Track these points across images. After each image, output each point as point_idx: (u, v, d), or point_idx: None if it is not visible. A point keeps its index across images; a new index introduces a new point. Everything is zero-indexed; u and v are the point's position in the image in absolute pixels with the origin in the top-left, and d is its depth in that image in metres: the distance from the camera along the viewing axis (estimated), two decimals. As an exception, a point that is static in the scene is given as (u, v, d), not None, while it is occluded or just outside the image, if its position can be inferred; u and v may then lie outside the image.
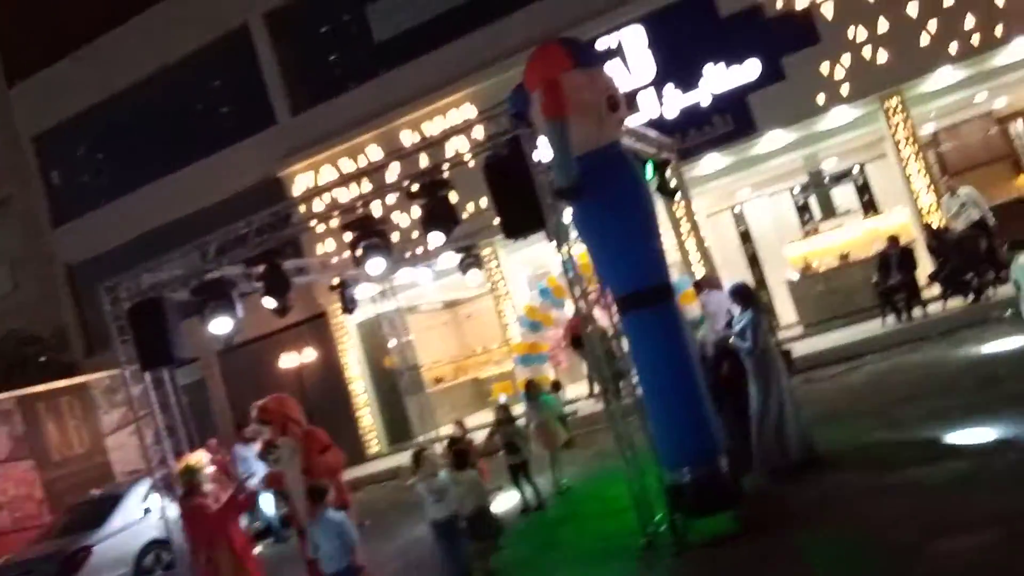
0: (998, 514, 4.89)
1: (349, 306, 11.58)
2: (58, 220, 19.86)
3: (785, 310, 15.60)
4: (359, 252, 7.75)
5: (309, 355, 15.78)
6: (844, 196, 16.51)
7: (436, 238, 7.53)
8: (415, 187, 7.26)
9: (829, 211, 16.12)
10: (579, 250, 7.01)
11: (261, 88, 17.60)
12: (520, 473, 8.48)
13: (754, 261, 16.90)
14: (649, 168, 9.39)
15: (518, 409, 9.46)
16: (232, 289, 7.86)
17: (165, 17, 18.29)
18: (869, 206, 16.27)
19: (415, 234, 14.81)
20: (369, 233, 7.68)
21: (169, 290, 8.38)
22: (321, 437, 7.45)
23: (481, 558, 6.74)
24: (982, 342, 9.86)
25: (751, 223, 16.96)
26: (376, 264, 7.89)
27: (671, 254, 12.80)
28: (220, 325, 8.15)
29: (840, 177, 16.61)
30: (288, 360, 15.52)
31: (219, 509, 7.02)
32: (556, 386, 12.21)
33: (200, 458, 9.01)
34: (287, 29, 17.56)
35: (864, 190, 16.42)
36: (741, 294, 7.55)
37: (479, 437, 9.20)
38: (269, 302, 7.89)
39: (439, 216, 7.25)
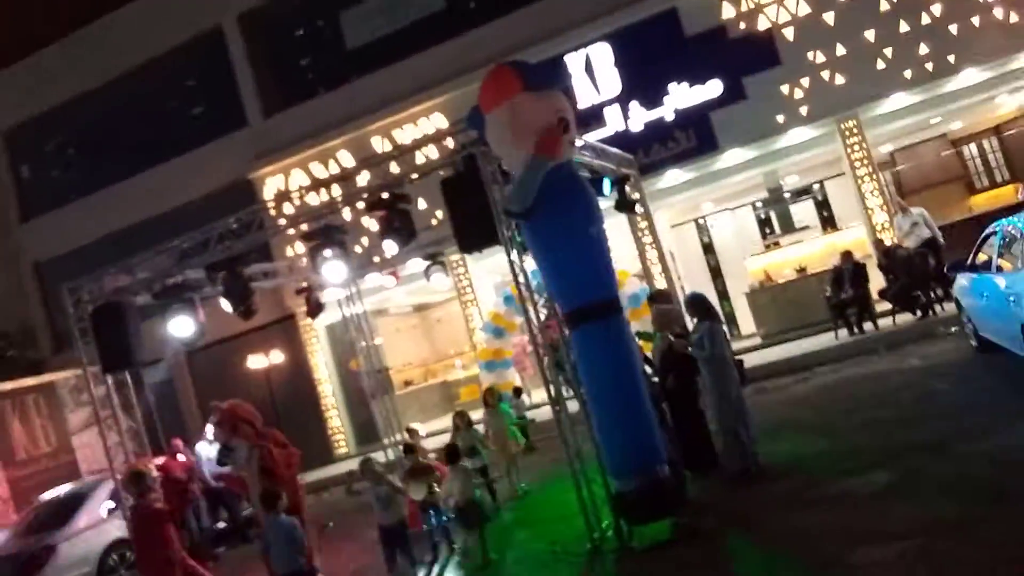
0: (918, 524, 5.23)
1: (314, 310, 11.74)
2: (26, 215, 19.80)
3: (745, 320, 16.06)
4: (318, 258, 7.96)
5: (277, 357, 15.91)
6: (804, 212, 17.02)
7: (391, 247, 7.77)
8: (378, 198, 7.48)
9: (789, 226, 16.65)
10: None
11: (233, 89, 17.70)
12: (483, 475, 8.75)
13: (716, 272, 17.31)
14: (607, 185, 9.71)
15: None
16: (194, 293, 8.05)
17: (140, 15, 18.34)
18: (828, 222, 16.76)
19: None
20: (330, 241, 7.90)
21: (132, 292, 8.55)
22: (276, 437, 7.62)
23: (474, 545, 7.03)
24: (926, 358, 10.32)
25: (714, 235, 17.37)
26: (334, 269, 8.12)
27: (633, 264, 13.26)
28: (181, 327, 8.34)
29: (801, 193, 17.12)
30: (256, 361, 15.64)
31: (154, 509, 7.28)
32: (518, 392, 12.53)
33: (148, 463, 9.09)
34: (260, 32, 17.68)
35: (824, 206, 16.91)
36: (696, 305, 7.88)
37: (442, 441, 9.44)
38: (228, 306, 8.07)
39: (397, 229, 7.50)
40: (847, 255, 13.04)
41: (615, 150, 11.56)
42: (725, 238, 17.35)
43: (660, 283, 12.77)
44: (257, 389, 16.12)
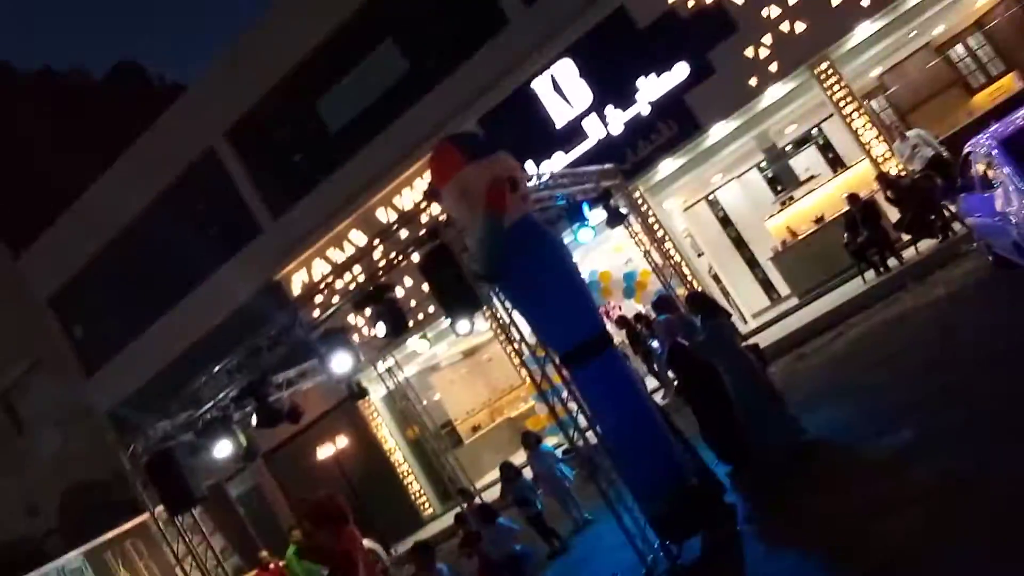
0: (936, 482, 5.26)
1: (356, 395, 12.18)
2: (90, 370, 20.91)
3: (781, 283, 15.95)
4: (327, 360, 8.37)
5: (343, 441, 16.42)
6: (810, 159, 16.86)
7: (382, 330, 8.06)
8: (364, 295, 7.84)
9: (799, 178, 16.48)
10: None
11: (240, 202, 18.46)
12: (538, 523, 8.98)
13: (740, 242, 17.24)
14: (585, 209, 9.92)
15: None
16: (229, 423, 8.53)
17: (138, 160, 19.29)
18: (836, 162, 16.55)
19: (412, 302, 15.57)
20: (336, 343, 8.29)
21: (177, 435, 9.10)
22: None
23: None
24: (949, 284, 10.18)
25: (728, 207, 17.31)
26: (341, 363, 8.53)
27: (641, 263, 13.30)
28: (223, 450, 8.86)
29: (801, 143, 16.96)
30: (324, 451, 16.18)
31: None
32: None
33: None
34: (249, 142, 18.41)
35: (827, 148, 16.72)
36: (697, 304, 8.01)
37: (494, 493, 9.73)
38: (263, 427, 8.53)
39: (387, 319, 7.84)
40: (853, 197, 12.90)
41: (592, 168, 11.81)
42: (739, 207, 17.27)
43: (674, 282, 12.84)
44: (332, 476, 16.70)
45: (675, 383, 7.99)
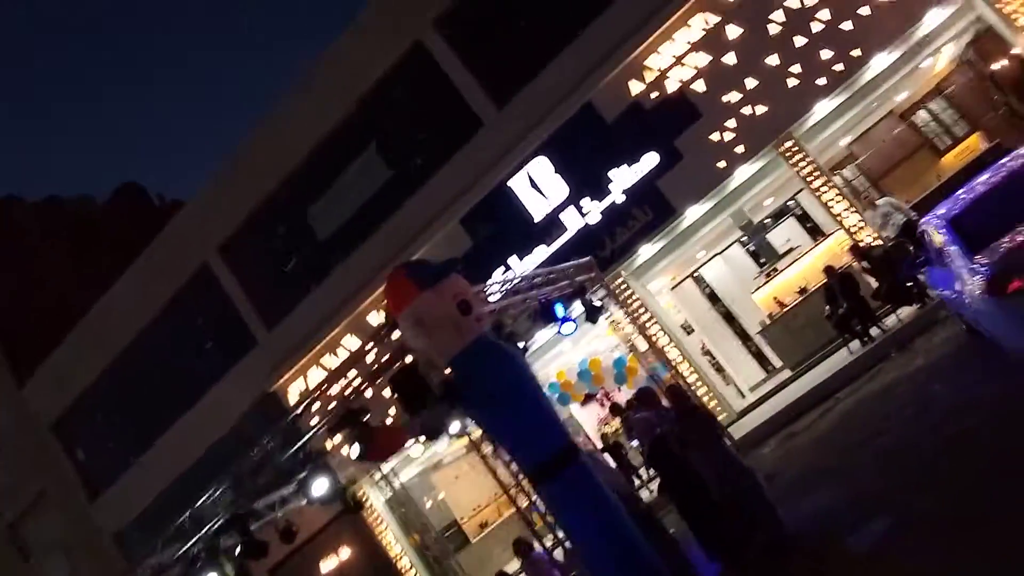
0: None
1: (351, 508, 12.12)
2: (94, 494, 20.87)
3: (771, 355, 15.98)
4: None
5: (345, 552, 16.25)
6: (790, 230, 17.10)
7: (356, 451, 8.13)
8: (338, 419, 7.95)
9: (779, 251, 16.69)
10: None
11: (235, 315, 18.73)
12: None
13: (729, 317, 17.34)
14: (559, 309, 10.07)
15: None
16: (217, 554, 8.53)
17: (138, 279, 19.71)
18: (816, 231, 16.78)
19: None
20: (316, 468, 8.36)
21: (168, 567, 9.11)
22: None
23: None
24: (928, 353, 10.22)
25: (714, 283, 17.48)
26: (319, 487, 8.56)
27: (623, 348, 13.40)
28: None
29: (779, 215, 17.23)
30: (327, 564, 16.00)
31: None
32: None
33: None
34: (241, 255, 18.80)
35: (806, 219, 16.97)
36: (674, 398, 8.07)
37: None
38: (251, 558, 8.52)
39: (361, 440, 7.92)
40: (830, 270, 13.06)
41: (565, 264, 12.03)
42: (725, 282, 17.44)
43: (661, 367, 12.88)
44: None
45: (659, 480, 7.98)
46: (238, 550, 8.37)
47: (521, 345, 10.45)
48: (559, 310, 10.16)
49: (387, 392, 14.21)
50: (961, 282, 7.26)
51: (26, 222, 25.93)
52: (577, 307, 11.24)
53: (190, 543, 8.69)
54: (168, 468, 18.98)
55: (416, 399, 7.63)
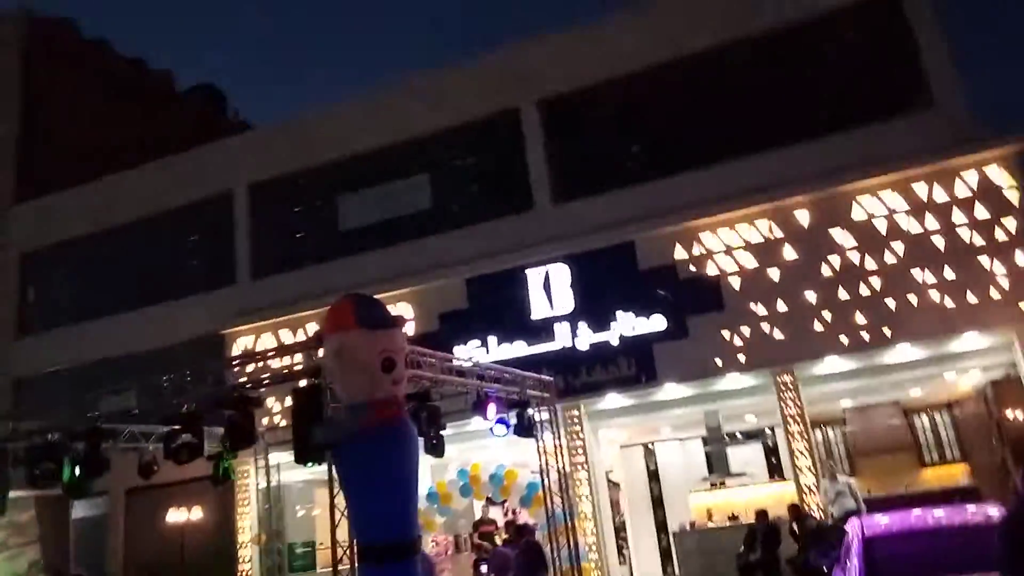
0: None
1: (217, 479, 11.89)
2: (21, 333, 20.82)
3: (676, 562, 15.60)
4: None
5: (197, 513, 15.89)
6: (752, 455, 16.87)
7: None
8: (230, 398, 7.87)
9: (737, 467, 16.42)
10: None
11: (230, 248, 18.88)
12: None
13: (659, 502, 17.03)
14: (491, 410, 9.98)
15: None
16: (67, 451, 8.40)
17: (164, 170, 20.03)
18: (776, 470, 16.54)
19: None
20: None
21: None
22: None
23: None
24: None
25: (661, 463, 17.23)
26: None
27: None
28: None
29: (752, 436, 17.05)
30: (176, 515, 15.65)
31: None
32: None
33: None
34: (265, 202, 19.06)
35: (773, 452, 16.74)
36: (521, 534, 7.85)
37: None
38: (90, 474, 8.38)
39: (238, 431, 7.81)
40: (762, 515, 12.82)
41: (530, 374, 11.96)
42: (672, 468, 17.18)
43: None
44: (173, 540, 16.09)
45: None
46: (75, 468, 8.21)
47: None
48: (491, 411, 10.05)
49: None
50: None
51: (106, 70, 26.38)
52: (513, 416, 11.11)
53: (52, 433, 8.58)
54: (97, 346, 18.96)
55: (303, 421, 7.55)
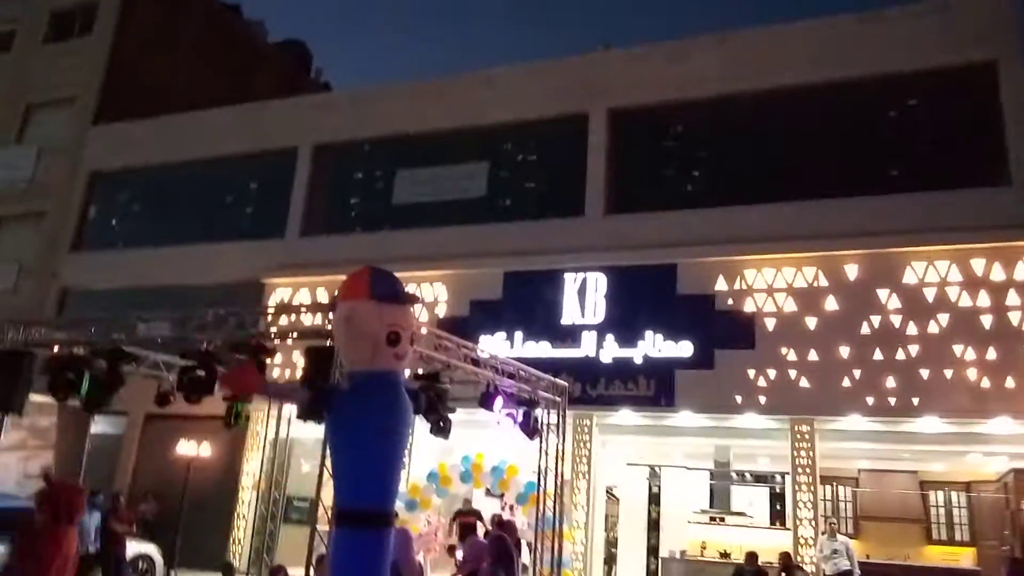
0: None
1: (229, 421, 12.21)
2: (75, 247, 21.61)
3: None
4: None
5: (206, 450, 16.31)
6: (757, 497, 16.66)
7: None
8: (246, 344, 8.10)
9: (739, 506, 16.27)
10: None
11: (285, 203, 19.29)
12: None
13: (655, 525, 16.93)
14: (497, 403, 10.07)
15: None
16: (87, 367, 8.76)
17: (234, 118, 20.56)
18: (778, 516, 16.30)
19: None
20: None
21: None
22: None
23: None
24: None
25: (665, 488, 17.11)
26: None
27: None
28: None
29: (760, 479, 16.84)
30: (186, 448, 16.09)
31: None
32: None
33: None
34: (327, 164, 19.45)
35: (778, 499, 16.50)
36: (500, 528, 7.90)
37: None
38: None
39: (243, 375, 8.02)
40: (752, 557, 12.67)
41: (545, 376, 12.00)
42: (675, 494, 17.04)
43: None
44: (177, 472, 16.50)
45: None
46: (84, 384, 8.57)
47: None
48: (497, 404, 10.15)
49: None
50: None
51: (203, 10, 26.91)
52: (521, 414, 11.19)
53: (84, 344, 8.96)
54: (143, 273, 19.56)
55: (313, 377, 7.75)
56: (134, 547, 13.21)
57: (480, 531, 13.08)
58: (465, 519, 13.58)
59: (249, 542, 16.59)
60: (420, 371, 9.73)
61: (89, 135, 22.47)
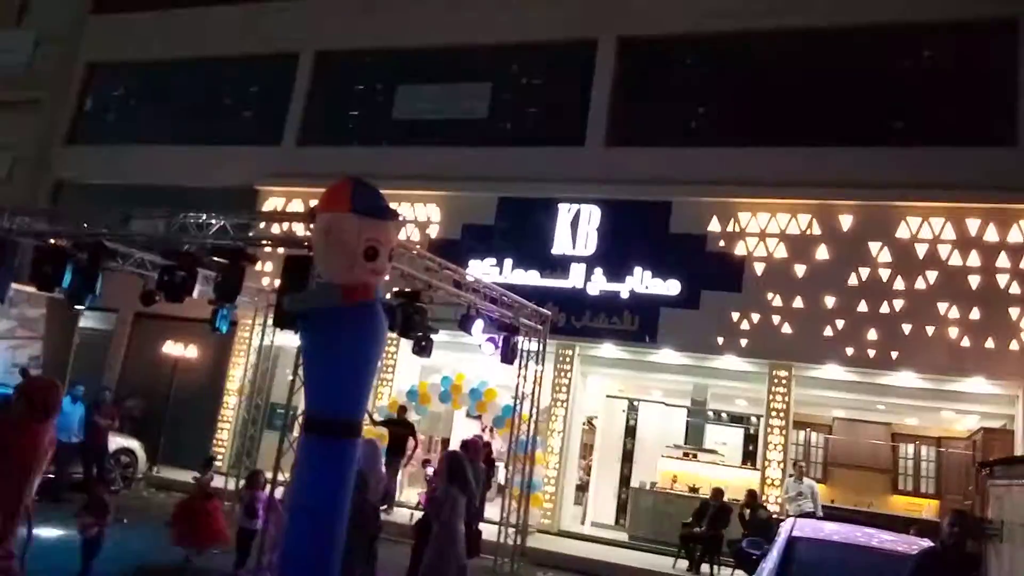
0: None
1: (215, 325, 12.35)
2: (70, 139, 21.36)
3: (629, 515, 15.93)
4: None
5: (192, 351, 16.50)
6: (730, 437, 16.98)
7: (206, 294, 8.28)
8: (227, 250, 8.09)
9: (712, 444, 16.59)
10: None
11: (283, 110, 18.99)
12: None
13: (629, 456, 17.25)
14: (477, 326, 10.12)
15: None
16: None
17: (239, 17, 19.98)
18: (750, 457, 16.63)
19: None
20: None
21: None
22: None
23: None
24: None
25: (641, 422, 17.39)
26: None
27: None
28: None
29: (737, 420, 17.12)
30: (172, 348, 16.27)
31: None
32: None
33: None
34: (328, 72, 19.07)
35: (752, 440, 16.80)
36: (447, 465, 8.02)
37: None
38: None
39: (226, 283, 8.06)
40: (718, 492, 12.98)
41: (529, 303, 12.01)
42: (650, 429, 17.32)
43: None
44: (163, 372, 16.76)
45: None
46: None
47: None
48: (476, 327, 10.21)
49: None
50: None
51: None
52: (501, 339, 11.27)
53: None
54: (136, 171, 19.38)
55: (292, 286, 7.76)
56: (117, 441, 13.45)
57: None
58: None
59: (232, 445, 16.93)
60: (400, 290, 9.74)
61: (88, 24, 21.93)
